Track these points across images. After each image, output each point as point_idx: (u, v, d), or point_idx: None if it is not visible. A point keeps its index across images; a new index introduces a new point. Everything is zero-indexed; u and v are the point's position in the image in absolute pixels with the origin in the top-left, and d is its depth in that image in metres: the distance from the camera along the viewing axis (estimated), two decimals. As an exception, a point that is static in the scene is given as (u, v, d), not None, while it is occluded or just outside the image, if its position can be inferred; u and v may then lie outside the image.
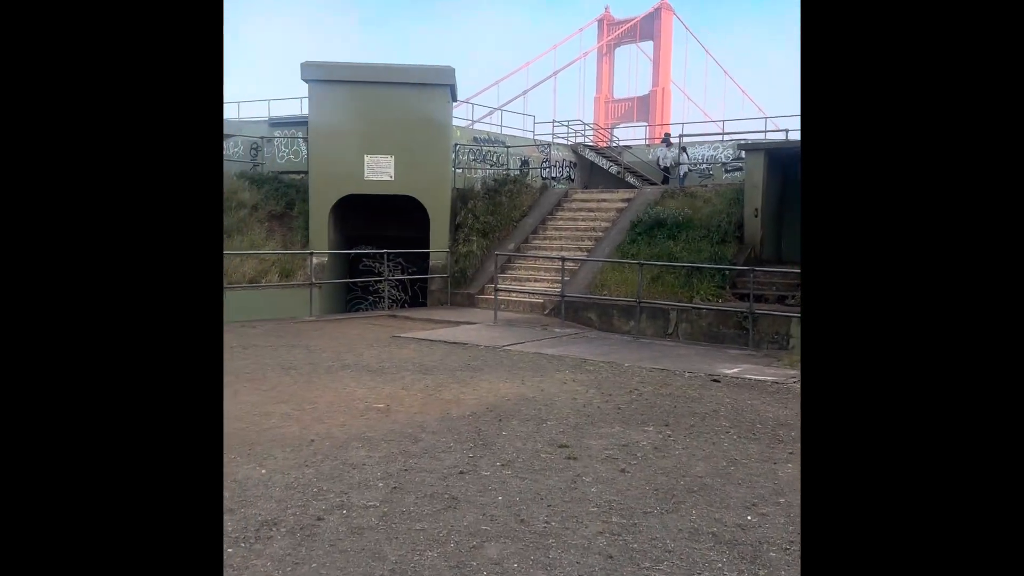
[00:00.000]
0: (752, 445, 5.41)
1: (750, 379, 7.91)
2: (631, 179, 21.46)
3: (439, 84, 15.37)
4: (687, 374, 8.14)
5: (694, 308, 11.88)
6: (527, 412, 6.21)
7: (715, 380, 7.84)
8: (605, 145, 25.36)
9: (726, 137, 22.51)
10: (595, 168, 22.60)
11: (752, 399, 6.93)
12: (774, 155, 14.01)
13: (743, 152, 16.01)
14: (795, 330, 10.63)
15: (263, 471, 4.54)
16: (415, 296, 17.04)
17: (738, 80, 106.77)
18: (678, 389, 7.34)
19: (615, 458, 5.00)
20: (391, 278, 16.12)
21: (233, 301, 12.88)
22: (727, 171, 21.35)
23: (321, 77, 15.07)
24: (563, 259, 12.67)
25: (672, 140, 20.87)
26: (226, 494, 4.11)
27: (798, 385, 7.11)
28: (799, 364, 7.04)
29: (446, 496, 4.18)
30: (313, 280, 13.60)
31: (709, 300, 12.25)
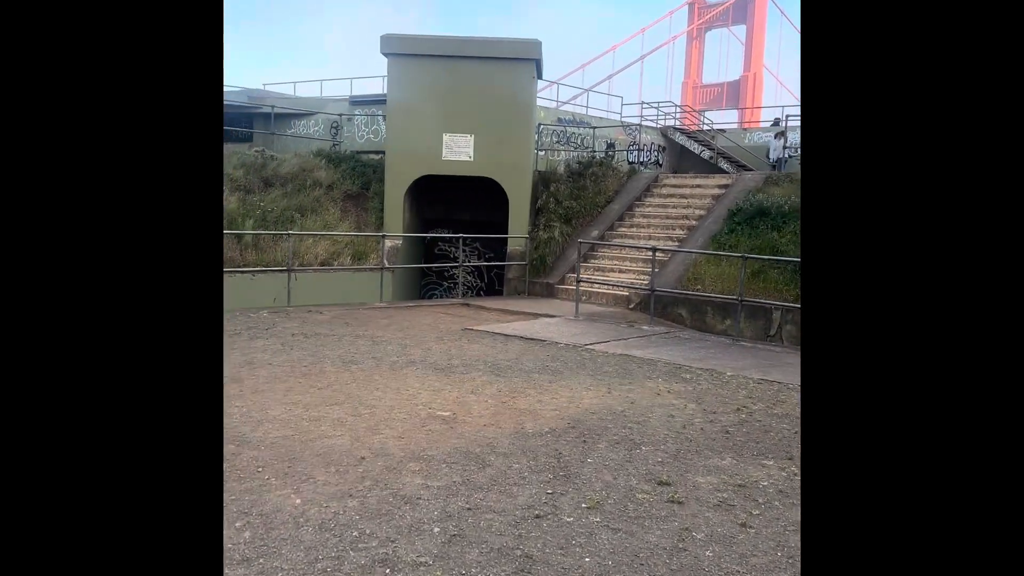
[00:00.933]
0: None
1: (880, 399, 6.67)
2: (724, 164, 20.03)
3: (524, 59, 14.38)
4: (802, 389, 6.97)
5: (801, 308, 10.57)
6: (616, 432, 5.23)
7: (837, 398, 6.64)
8: (696, 128, 23.89)
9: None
10: (685, 152, 21.22)
11: (888, 426, 5.73)
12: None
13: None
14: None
15: (298, 501, 3.74)
16: (491, 283, 16.23)
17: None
18: (795, 408, 6.20)
19: (731, 504, 3.98)
20: (466, 264, 15.35)
21: (303, 283, 12.38)
22: (832, 158, 19.64)
23: (400, 51, 14.32)
24: (654, 249, 11.52)
25: (781, 126, 19.33)
26: (247, 533, 3.32)
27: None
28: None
29: (518, 553, 3.26)
30: (385, 264, 12.96)
31: (818, 300, 10.91)
